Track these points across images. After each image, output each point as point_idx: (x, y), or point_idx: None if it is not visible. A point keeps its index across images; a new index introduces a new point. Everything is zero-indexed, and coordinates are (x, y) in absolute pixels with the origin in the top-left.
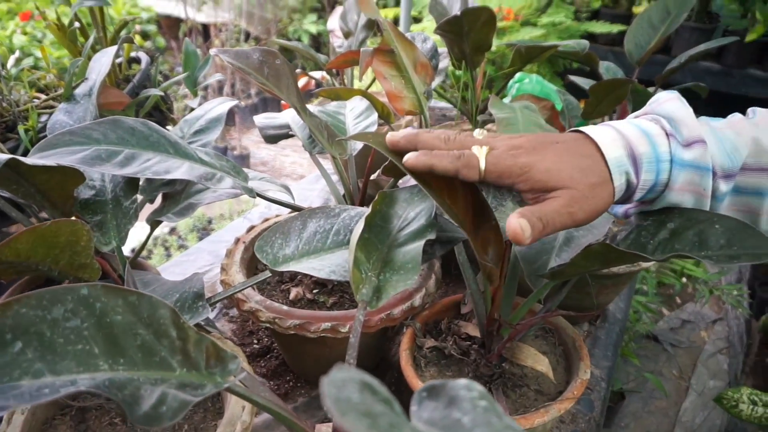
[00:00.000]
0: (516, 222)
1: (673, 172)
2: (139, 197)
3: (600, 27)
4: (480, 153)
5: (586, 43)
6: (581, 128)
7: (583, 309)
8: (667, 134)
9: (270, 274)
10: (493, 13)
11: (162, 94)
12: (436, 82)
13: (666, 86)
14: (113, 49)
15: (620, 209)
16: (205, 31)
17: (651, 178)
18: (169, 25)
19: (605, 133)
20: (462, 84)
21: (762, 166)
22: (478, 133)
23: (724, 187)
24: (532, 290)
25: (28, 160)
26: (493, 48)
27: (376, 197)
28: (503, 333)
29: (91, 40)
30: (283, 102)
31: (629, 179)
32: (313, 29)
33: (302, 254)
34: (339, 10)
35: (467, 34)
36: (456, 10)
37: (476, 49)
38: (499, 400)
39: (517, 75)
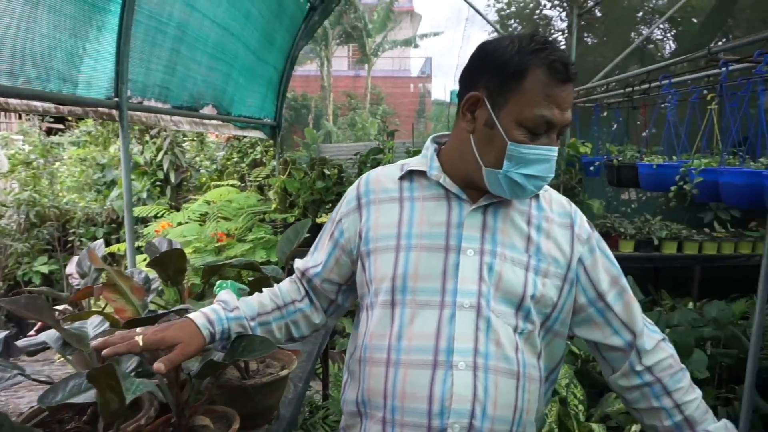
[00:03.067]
0: (155, 365)
1: (230, 323)
2: None
3: None
4: (139, 338)
5: (243, 259)
6: (188, 315)
7: (254, 411)
8: (223, 308)
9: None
10: (182, 251)
11: None
12: (151, 296)
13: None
14: None
15: (219, 345)
16: None
17: (220, 329)
18: None
19: (196, 315)
20: (172, 294)
21: (265, 312)
22: (141, 330)
23: (252, 324)
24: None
25: None
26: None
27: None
28: (186, 413)
29: None
30: (30, 333)
31: (210, 332)
32: (45, 269)
33: (67, 397)
34: (75, 258)
35: (168, 264)
36: (163, 249)
37: (177, 273)
38: None
39: (219, 281)
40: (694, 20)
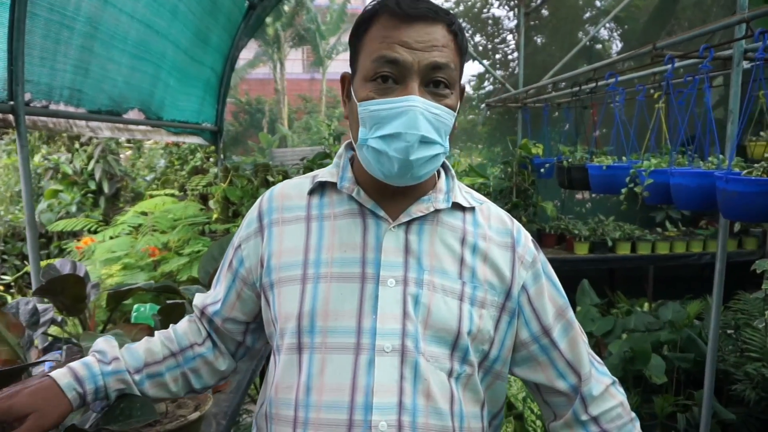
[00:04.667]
0: None
1: (106, 379)
2: None
3: None
4: None
5: (153, 282)
6: (50, 374)
7: None
8: (98, 361)
9: None
10: (79, 277)
11: None
12: (41, 330)
13: None
14: None
15: (97, 407)
16: None
17: (93, 388)
18: None
19: (60, 372)
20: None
21: (155, 361)
22: None
23: (137, 377)
24: None
25: None
26: None
27: None
28: None
29: None
30: None
31: (78, 393)
32: None
33: None
34: None
35: (62, 292)
36: (65, 272)
37: (75, 300)
38: None
39: (136, 306)
40: (640, 21)
